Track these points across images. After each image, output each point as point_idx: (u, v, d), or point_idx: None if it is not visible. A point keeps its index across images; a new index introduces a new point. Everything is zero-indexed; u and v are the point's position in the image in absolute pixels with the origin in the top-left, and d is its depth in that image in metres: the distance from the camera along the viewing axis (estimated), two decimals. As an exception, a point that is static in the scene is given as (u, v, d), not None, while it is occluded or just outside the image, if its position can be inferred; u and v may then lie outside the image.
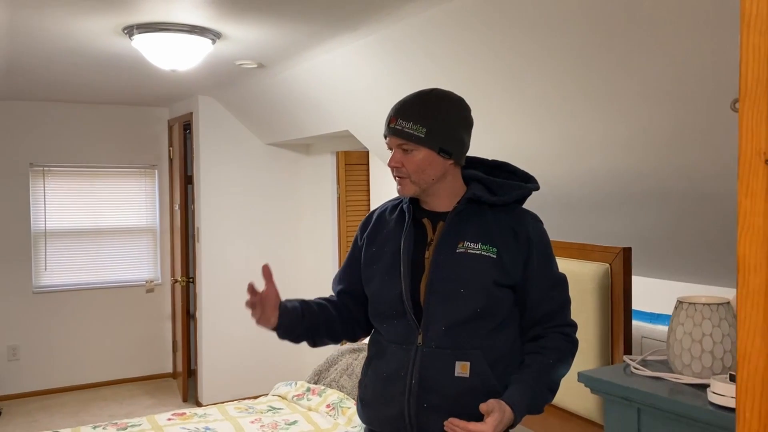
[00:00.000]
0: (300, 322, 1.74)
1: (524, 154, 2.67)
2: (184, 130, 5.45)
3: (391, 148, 1.67)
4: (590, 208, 2.68)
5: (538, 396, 1.62)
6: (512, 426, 1.60)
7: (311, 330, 1.77)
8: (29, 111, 5.37)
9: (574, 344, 1.71)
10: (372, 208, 4.44)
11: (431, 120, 1.62)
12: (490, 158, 1.81)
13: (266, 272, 1.68)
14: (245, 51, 3.40)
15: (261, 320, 1.69)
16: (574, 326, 1.72)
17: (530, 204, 1.78)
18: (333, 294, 1.88)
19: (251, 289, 1.66)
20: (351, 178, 4.95)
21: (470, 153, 1.75)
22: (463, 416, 1.58)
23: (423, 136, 1.60)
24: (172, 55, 3.05)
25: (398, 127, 1.62)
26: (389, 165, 1.66)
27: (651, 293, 2.67)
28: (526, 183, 1.74)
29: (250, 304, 1.66)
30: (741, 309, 0.85)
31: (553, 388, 1.67)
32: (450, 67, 2.68)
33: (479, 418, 1.60)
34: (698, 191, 2.15)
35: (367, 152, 4.67)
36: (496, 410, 1.52)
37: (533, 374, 1.63)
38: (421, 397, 1.60)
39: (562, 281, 1.72)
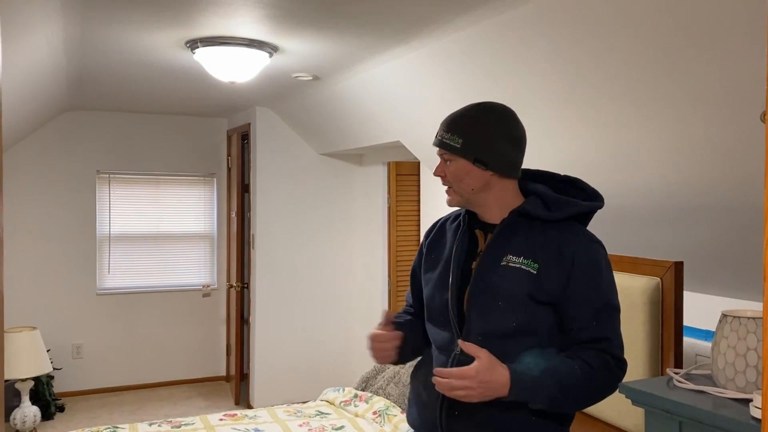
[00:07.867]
0: (405, 350, 1.80)
1: (579, 165, 2.66)
2: (242, 140, 5.60)
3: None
4: (643, 221, 2.64)
5: (542, 385, 1.51)
6: (504, 398, 1.50)
7: (404, 353, 1.81)
8: (97, 120, 5.62)
9: (612, 373, 1.55)
10: (421, 219, 4.51)
11: (468, 131, 1.65)
12: (562, 173, 1.77)
13: (388, 318, 1.76)
14: (301, 64, 3.50)
15: (381, 358, 1.77)
16: (620, 360, 1.57)
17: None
18: (408, 305, 1.93)
19: (387, 319, 1.75)
20: (402, 189, 4.99)
21: (533, 165, 1.76)
22: (492, 429, 1.60)
23: (458, 146, 1.65)
24: (232, 68, 3.17)
25: (439, 137, 1.69)
26: (434, 174, 1.74)
27: (708, 310, 2.59)
28: (592, 200, 1.69)
29: (375, 337, 1.74)
30: (767, 320, 0.86)
31: (566, 393, 1.53)
32: (501, 79, 2.71)
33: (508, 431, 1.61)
34: (755, 204, 2.10)
35: (418, 163, 4.70)
36: (484, 357, 1.50)
37: (549, 363, 1.54)
38: (453, 404, 1.61)
39: (611, 309, 1.59)
